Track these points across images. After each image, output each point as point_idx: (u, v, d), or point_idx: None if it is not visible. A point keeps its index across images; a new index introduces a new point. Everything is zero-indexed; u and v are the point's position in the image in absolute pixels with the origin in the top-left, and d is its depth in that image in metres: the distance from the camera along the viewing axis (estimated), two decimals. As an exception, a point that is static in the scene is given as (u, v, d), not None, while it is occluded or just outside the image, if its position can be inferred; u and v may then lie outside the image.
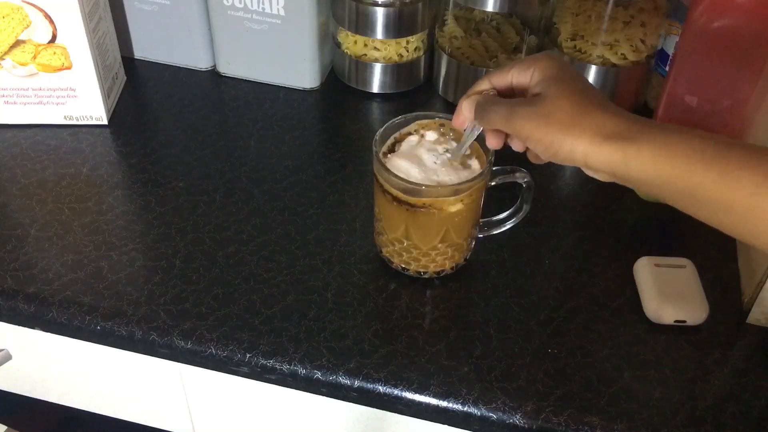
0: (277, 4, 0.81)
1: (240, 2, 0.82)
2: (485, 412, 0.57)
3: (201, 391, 0.73)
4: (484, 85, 0.55)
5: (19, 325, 0.67)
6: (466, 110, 0.55)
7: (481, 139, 0.62)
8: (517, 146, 0.54)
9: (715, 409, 0.58)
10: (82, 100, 0.79)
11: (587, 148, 0.46)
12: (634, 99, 0.85)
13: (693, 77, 0.71)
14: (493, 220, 0.67)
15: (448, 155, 0.62)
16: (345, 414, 0.68)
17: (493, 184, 0.63)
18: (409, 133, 0.64)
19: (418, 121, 0.64)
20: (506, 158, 0.61)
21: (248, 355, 0.60)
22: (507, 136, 0.54)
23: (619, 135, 0.45)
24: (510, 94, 0.54)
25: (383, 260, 0.67)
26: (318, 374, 0.59)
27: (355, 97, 0.88)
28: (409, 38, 0.84)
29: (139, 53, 0.91)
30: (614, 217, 0.73)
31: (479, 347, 0.61)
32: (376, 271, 0.67)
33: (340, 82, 0.89)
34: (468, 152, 0.62)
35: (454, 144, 0.62)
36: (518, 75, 0.52)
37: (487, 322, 0.63)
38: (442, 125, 0.64)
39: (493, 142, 0.56)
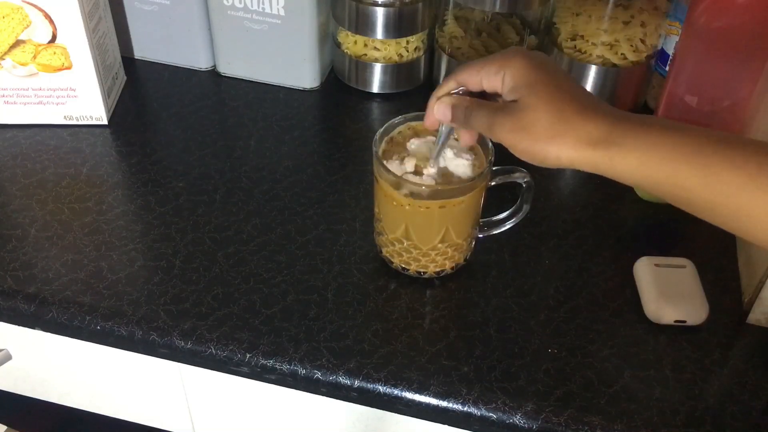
0: (277, 4, 0.81)
1: (240, 2, 0.82)
2: (485, 412, 0.57)
3: (201, 391, 0.73)
4: (451, 85, 0.53)
5: (19, 325, 0.67)
6: (437, 112, 0.54)
7: (481, 140, 0.62)
8: None
9: (715, 409, 0.58)
10: (82, 100, 0.79)
11: (572, 155, 0.46)
12: (634, 99, 0.84)
13: (693, 77, 0.71)
14: (493, 220, 0.67)
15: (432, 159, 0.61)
16: (345, 414, 0.68)
17: (493, 184, 0.63)
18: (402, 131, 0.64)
19: (417, 122, 0.64)
20: (506, 158, 0.61)
21: (248, 355, 0.60)
22: None
23: (603, 140, 0.45)
24: (481, 93, 0.53)
25: (383, 260, 0.67)
26: (318, 374, 0.59)
27: (355, 97, 0.88)
28: (409, 38, 0.84)
29: (139, 53, 0.91)
30: (614, 217, 0.73)
31: (479, 347, 0.61)
32: (376, 271, 0.67)
33: (340, 82, 0.89)
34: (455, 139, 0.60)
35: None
36: (488, 79, 0.50)
37: (487, 322, 0.63)
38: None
39: (467, 139, 0.57)
